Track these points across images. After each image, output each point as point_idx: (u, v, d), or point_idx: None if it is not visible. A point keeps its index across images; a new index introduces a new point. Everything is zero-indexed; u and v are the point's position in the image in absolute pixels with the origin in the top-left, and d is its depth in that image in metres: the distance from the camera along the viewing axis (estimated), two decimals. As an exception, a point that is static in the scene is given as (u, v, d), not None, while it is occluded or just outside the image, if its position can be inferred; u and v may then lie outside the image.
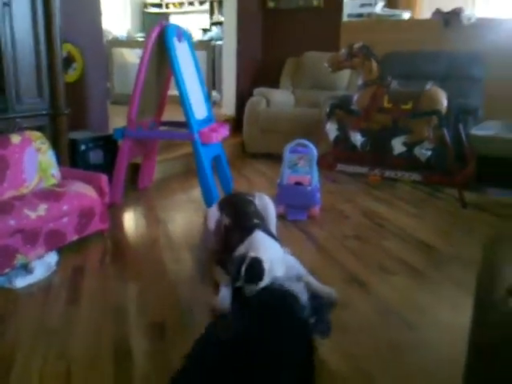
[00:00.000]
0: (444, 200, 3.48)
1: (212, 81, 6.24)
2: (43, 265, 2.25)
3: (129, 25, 8.40)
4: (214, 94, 6.34)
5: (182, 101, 3.00)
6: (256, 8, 5.49)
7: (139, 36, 7.72)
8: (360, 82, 3.69)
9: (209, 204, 3.06)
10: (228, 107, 5.43)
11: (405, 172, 3.58)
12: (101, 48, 3.77)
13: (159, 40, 3.06)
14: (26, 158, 2.42)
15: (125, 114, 3.15)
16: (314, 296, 1.35)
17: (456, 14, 4.37)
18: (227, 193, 3.48)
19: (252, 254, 1.88)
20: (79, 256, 2.44)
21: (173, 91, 3.39)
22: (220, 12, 7.50)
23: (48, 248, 2.32)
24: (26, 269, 2.19)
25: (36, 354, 1.64)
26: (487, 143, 3.67)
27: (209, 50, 6.08)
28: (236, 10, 5.16)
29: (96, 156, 3.30)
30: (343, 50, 3.71)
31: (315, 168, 3.01)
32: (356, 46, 3.61)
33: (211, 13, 7.98)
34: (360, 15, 4.98)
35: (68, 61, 3.39)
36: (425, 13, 4.89)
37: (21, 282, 2.12)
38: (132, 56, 6.06)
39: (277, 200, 2.98)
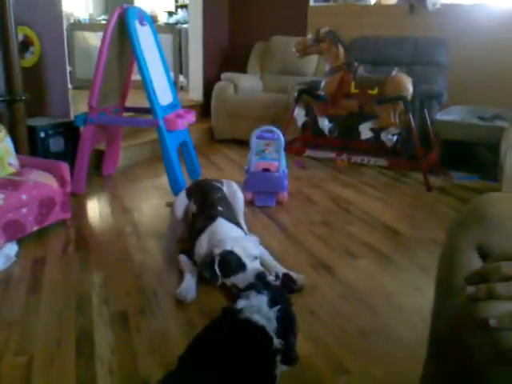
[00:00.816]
0: (409, 184, 3.54)
1: (179, 65, 6.12)
2: (2, 256, 2.17)
3: (91, 7, 8.13)
4: (181, 78, 6.23)
5: (146, 86, 2.93)
6: (222, -9, 5.40)
7: (102, 19, 7.49)
8: (327, 67, 3.68)
9: (176, 192, 3.02)
10: (195, 92, 5.35)
11: (371, 157, 3.61)
12: (60, 31, 3.62)
13: (120, 23, 2.97)
14: (-19, 146, 2.32)
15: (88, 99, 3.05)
16: (283, 316, 1.31)
17: (421, -1, 4.40)
18: (194, 179, 3.44)
19: (217, 251, 1.88)
20: (40, 246, 2.36)
21: (137, 76, 3.31)
22: (186, -5, 7.34)
23: (7, 239, 2.24)
24: (-16, 261, 2.12)
25: (-6, 349, 1.59)
26: (451, 128, 3.74)
27: (174, 34, 5.96)
28: (202, -7, 5.05)
29: (56, 143, 3.20)
30: (310, 35, 3.69)
31: (283, 154, 3.00)
32: (322, 31, 3.59)
33: (177, -5, 7.81)
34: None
35: (25, 44, 3.25)
36: (391, -2, 4.90)
37: (-22, 275, 2.04)
38: (95, 39, 5.88)
39: (245, 186, 2.96)
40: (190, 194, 2.43)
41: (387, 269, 2.22)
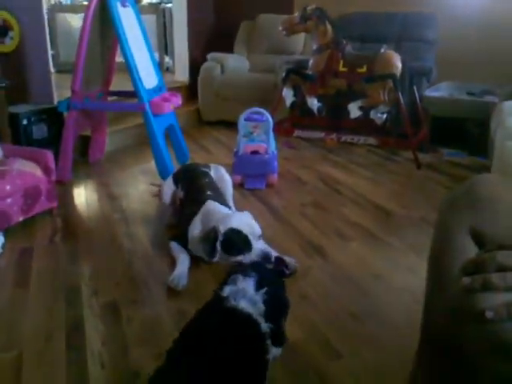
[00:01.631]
0: (399, 163, 3.52)
1: (164, 46, 6.00)
2: (-12, 249, 2.13)
3: (72, -13, 7.90)
4: (167, 59, 6.12)
5: (130, 70, 2.86)
6: (206, -32, 5.26)
7: (84, 0, 7.29)
8: (314, 45, 3.62)
9: (164, 176, 2.97)
10: (181, 73, 5.25)
11: (361, 136, 3.58)
12: (40, 14, 3.51)
13: (102, 5, 2.88)
14: (-39, 136, 2.26)
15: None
16: (271, 298, 1.28)
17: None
18: (182, 164, 3.39)
19: (222, 228, 1.82)
20: (27, 237, 2.32)
21: (121, 58, 3.22)
22: (169, -27, 7.15)
23: (-8, 230, 2.20)
24: (-31, 254, 2.08)
25: (-18, 344, 1.56)
26: (440, 104, 3.72)
27: (158, 14, 5.83)
28: (185, -29, 4.92)
29: (40, 130, 3.12)
30: (297, 13, 3.61)
31: (271, 136, 2.96)
32: (309, 8, 3.52)
33: (160, -27, 7.60)
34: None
35: (4, 29, 3.14)
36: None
37: (-37, 269, 2.00)
38: (77, 21, 5.71)
39: (234, 170, 2.93)
40: (177, 179, 2.39)
41: (378, 250, 2.20)
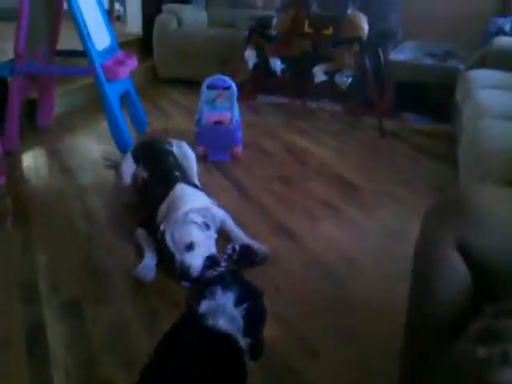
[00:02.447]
0: (363, 130, 3.46)
1: (113, -9, 5.53)
2: None
3: None
4: (117, 6, 5.66)
5: (78, 29, 2.58)
6: None
7: None
8: (278, 2, 3.42)
9: (120, 146, 2.80)
10: (134, 24, 4.86)
11: (326, 103, 3.48)
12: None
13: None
14: None
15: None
16: (250, 313, 1.22)
17: None
18: (140, 132, 3.20)
19: (162, 227, 1.76)
20: (-28, 222, 2.14)
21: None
22: None
23: None
24: None
25: None
26: (404, 69, 3.65)
27: (106, -44, 5.31)
28: None
29: (-20, 98, 2.83)
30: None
31: (235, 105, 2.81)
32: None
33: None
34: None
35: None
36: None
37: None
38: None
39: (196, 141, 2.78)
40: (138, 157, 2.23)
41: (348, 230, 2.16)
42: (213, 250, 1.82)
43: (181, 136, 3.09)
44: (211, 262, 1.78)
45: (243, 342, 1.20)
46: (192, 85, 3.83)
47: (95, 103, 3.34)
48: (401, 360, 1.11)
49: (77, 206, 2.30)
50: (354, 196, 2.48)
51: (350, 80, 3.39)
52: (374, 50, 3.55)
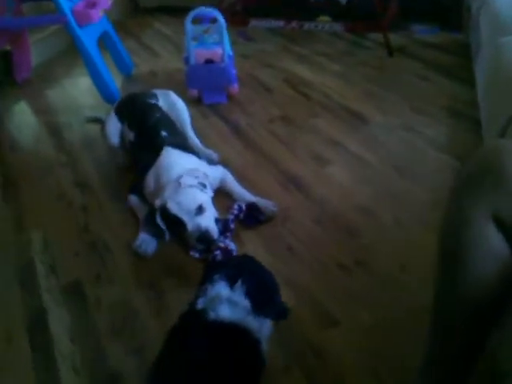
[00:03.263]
0: (369, 49, 3.17)
1: None
2: None
3: None
4: None
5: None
6: None
7: None
8: None
9: (106, 97, 2.59)
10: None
11: (325, 24, 3.16)
12: None
13: None
14: None
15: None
16: (250, 286, 1.10)
17: None
18: (128, 76, 2.96)
19: (158, 203, 1.60)
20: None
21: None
22: None
23: None
24: None
25: None
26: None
27: None
28: None
29: None
30: None
31: (226, 38, 2.53)
32: None
33: None
34: None
35: None
36: None
37: None
38: None
39: (188, 83, 2.55)
40: (121, 115, 2.03)
41: (360, 173, 1.98)
42: (215, 210, 1.69)
43: (171, 78, 2.87)
44: (222, 224, 1.65)
45: (256, 324, 1.10)
46: (176, 13, 3.50)
47: (74, 47, 3.07)
48: (429, 342, 1.00)
49: (67, 172, 2.14)
50: (363, 131, 2.29)
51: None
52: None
